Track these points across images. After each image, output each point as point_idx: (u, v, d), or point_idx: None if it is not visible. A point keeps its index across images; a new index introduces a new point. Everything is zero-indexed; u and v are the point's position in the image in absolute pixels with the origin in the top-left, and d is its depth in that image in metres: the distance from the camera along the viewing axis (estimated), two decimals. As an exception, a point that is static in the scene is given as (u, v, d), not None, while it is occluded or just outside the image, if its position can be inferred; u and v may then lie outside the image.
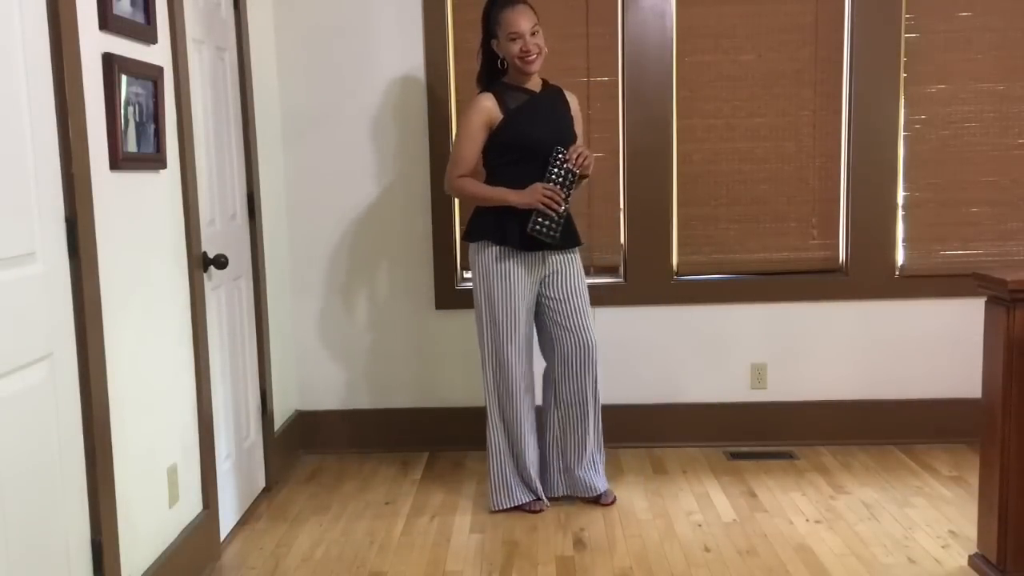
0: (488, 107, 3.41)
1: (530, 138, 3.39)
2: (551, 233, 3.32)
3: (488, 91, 3.44)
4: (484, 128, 3.41)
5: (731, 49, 4.13)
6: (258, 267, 3.75)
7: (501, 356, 3.45)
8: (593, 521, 3.45)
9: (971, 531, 3.15)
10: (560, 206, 3.31)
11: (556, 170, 3.32)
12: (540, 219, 3.30)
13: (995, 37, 4.10)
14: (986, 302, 2.82)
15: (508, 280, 3.41)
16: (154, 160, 2.77)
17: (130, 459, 2.61)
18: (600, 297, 4.07)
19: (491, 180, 3.46)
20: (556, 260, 3.49)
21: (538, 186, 3.31)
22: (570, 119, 3.54)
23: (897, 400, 4.24)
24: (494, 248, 3.41)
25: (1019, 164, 4.16)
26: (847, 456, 4.10)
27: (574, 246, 3.52)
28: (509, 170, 3.42)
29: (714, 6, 4.11)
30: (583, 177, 3.43)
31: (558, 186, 3.31)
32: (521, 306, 3.44)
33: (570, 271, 3.51)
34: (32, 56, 2.16)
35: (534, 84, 3.47)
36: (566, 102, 3.56)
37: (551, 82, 3.56)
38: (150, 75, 2.73)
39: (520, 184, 3.36)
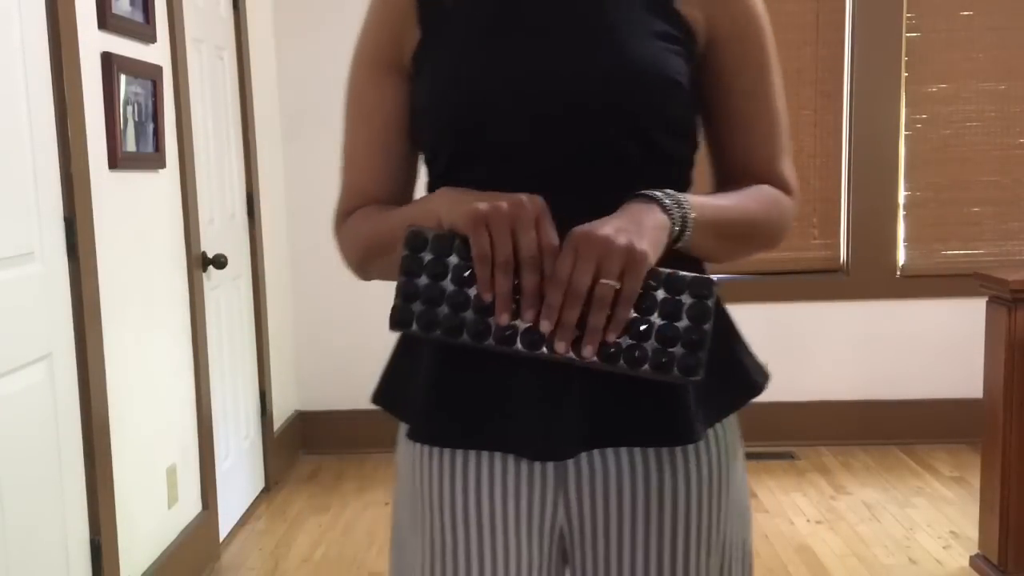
0: (380, 7, 1.18)
1: (482, 96, 1.09)
2: (434, 330, 1.00)
3: None
4: (387, 71, 1.19)
5: (731, 49, 4.13)
6: (257, 267, 3.74)
7: None
8: (593, 521, 3.44)
9: (972, 531, 3.14)
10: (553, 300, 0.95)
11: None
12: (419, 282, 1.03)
13: (997, 36, 4.10)
14: (987, 302, 2.81)
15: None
16: (153, 160, 2.76)
17: (129, 459, 2.60)
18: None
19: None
20: (598, 470, 1.10)
21: (521, 198, 0.96)
22: (658, 46, 1.05)
23: (898, 400, 4.23)
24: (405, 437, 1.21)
25: (1020, 164, 4.16)
26: (848, 456, 4.09)
27: (656, 439, 1.07)
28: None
29: (714, 5, 4.10)
30: (704, 291, 0.94)
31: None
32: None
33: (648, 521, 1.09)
34: (31, 55, 2.15)
35: None
36: None
37: None
38: (149, 74, 2.72)
39: None
